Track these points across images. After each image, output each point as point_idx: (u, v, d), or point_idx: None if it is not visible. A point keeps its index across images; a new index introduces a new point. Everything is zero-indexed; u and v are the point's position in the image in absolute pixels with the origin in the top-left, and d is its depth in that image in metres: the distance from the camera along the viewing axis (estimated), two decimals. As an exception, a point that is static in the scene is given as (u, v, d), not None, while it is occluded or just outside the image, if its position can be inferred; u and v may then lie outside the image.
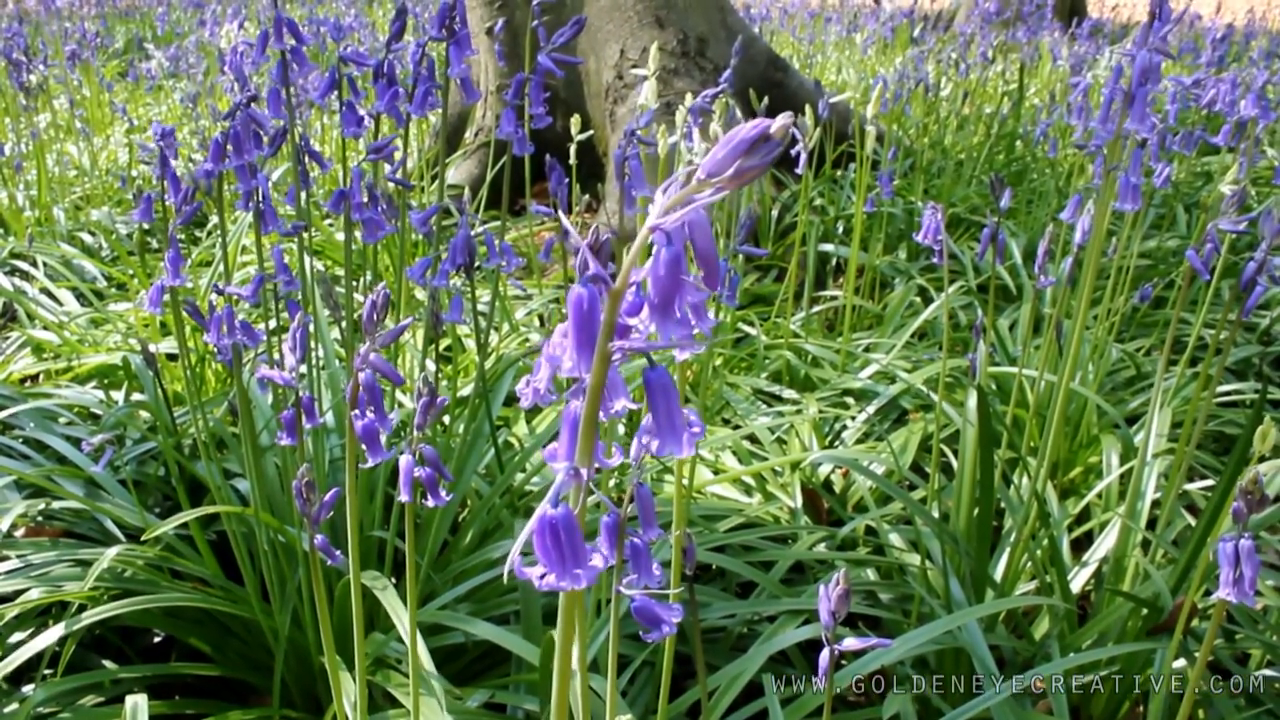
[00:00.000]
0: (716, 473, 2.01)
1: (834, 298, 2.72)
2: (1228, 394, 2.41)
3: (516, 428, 2.06)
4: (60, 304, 2.91)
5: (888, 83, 2.92)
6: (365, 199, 1.32)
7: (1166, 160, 1.89)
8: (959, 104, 4.50)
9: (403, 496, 0.94)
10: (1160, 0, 1.33)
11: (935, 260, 1.66)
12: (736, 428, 2.16)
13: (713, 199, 0.45)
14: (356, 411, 0.89)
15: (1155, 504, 1.86)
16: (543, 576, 0.51)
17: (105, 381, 2.46)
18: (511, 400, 2.15)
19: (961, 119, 4.44)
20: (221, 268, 2.76)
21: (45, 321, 2.69)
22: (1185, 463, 1.68)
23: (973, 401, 1.76)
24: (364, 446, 0.91)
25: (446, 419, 1.82)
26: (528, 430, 2.08)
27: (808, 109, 2.14)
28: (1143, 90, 1.26)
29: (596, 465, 0.53)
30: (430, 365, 2.00)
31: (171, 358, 2.53)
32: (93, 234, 3.62)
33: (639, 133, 1.54)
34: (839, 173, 3.52)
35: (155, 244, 3.52)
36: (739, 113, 3.09)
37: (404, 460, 0.93)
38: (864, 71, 5.76)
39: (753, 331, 2.40)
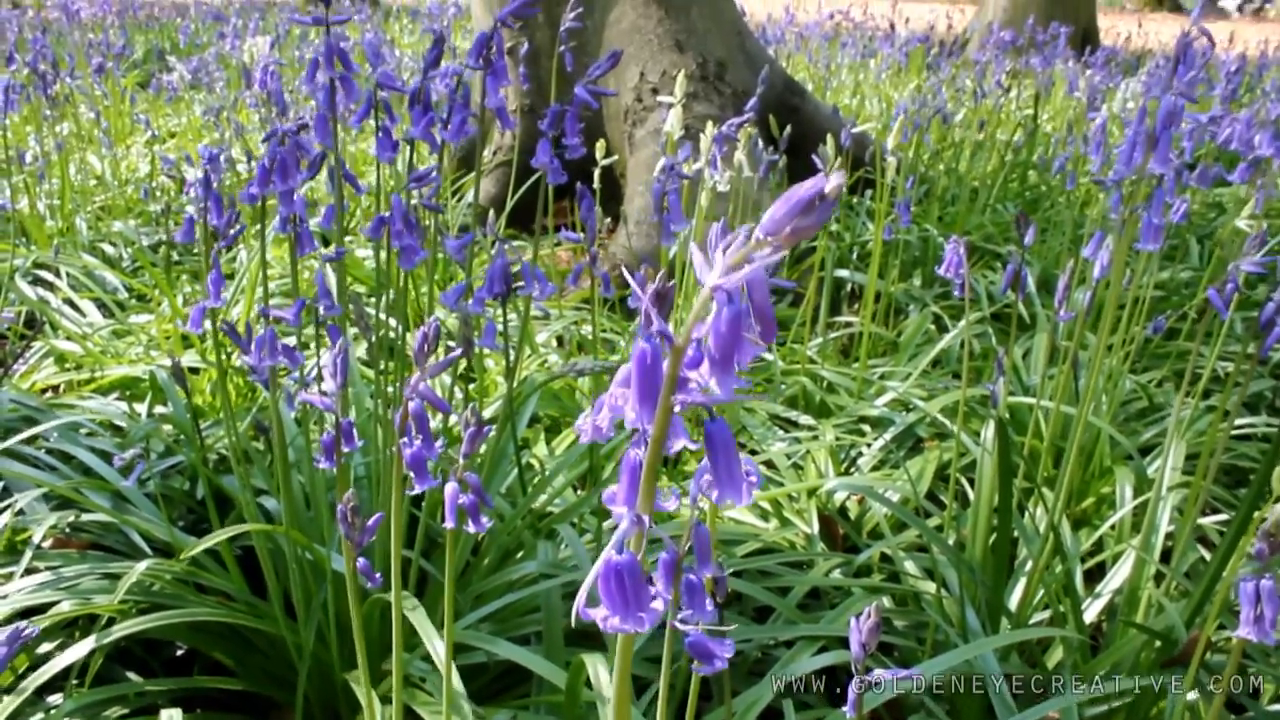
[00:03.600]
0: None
1: (850, 324, 2.74)
2: (1240, 428, 2.43)
3: (537, 448, 2.09)
4: (83, 315, 2.95)
5: (905, 112, 2.95)
6: (402, 226, 1.34)
7: (1182, 196, 1.91)
8: (974, 131, 4.53)
9: (448, 523, 0.96)
10: (1185, 45, 1.36)
11: (956, 293, 1.68)
12: (754, 453, 2.18)
13: (772, 259, 0.48)
14: (405, 440, 0.92)
15: (1169, 536, 1.88)
16: (606, 619, 0.53)
17: (128, 393, 2.49)
18: (534, 421, 2.18)
19: (976, 145, 4.47)
20: (248, 282, 2.79)
21: (68, 332, 2.72)
22: (1202, 496, 1.70)
23: (990, 432, 1.78)
24: (411, 474, 0.93)
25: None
26: (548, 451, 2.11)
27: (829, 139, 2.17)
28: (1167, 134, 1.28)
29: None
30: (457, 393, 2.02)
31: (193, 370, 2.56)
32: (114, 245, 3.66)
33: (674, 166, 1.56)
34: (855, 199, 3.55)
35: (177, 255, 3.55)
36: (757, 137, 3.13)
37: (449, 488, 0.95)
38: (879, 96, 5.80)
39: (769, 356, 2.43)
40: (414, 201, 1.48)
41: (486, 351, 2.42)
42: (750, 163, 2.22)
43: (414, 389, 0.87)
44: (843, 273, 2.96)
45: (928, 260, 3.07)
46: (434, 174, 1.39)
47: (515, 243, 3.14)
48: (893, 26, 8.49)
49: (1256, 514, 1.47)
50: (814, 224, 0.48)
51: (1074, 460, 1.63)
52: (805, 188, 0.48)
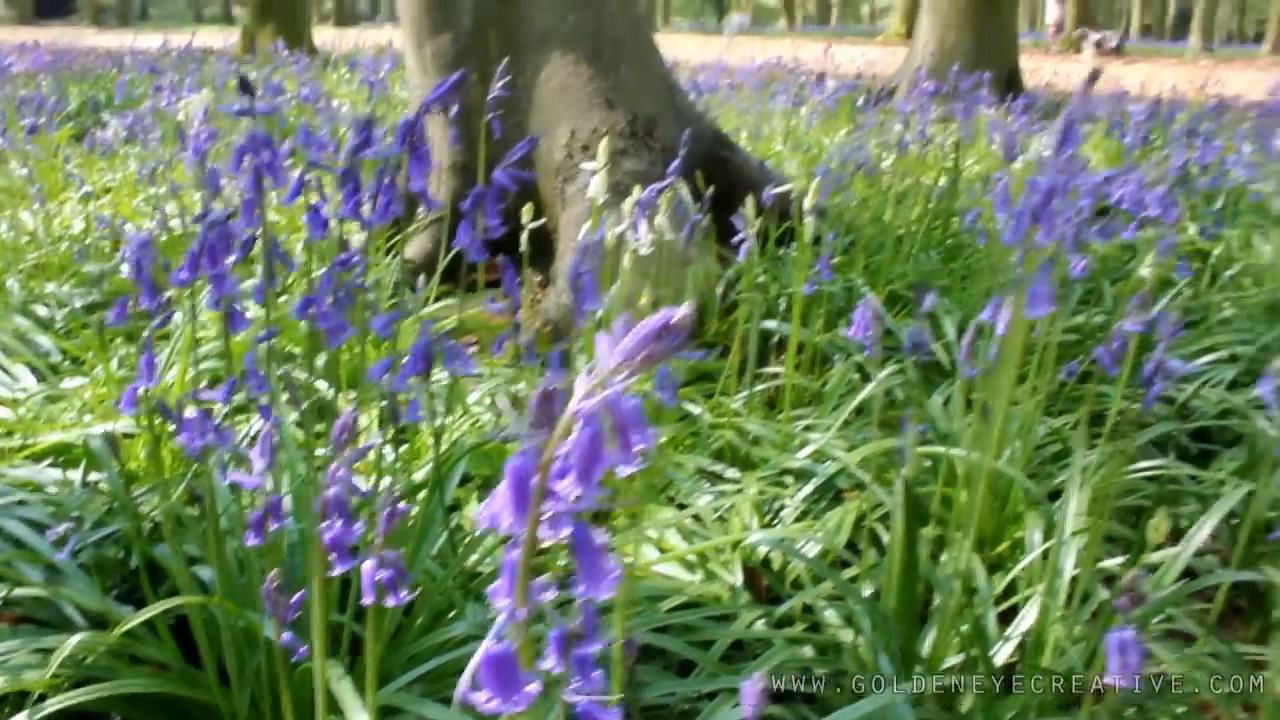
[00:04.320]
0: (662, 551, 2.10)
1: (776, 375, 2.83)
2: (1150, 469, 2.53)
3: (468, 509, 2.13)
4: (15, 379, 2.95)
5: (826, 173, 3.07)
6: (328, 308, 1.40)
7: (1082, 254, 2.02)
8: (899, 180, 4.67)
9: (365, 599, 1.01)
10: (1068, 124, 1.46)
11: (867, 353, 1.77)
12: (682, 506, 2.25)
13: (627, 383, 0.54)
14: (325, 524, 0.97)
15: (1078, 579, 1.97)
16: (486, 701, 0.59)
17: (62, 460, 2.50)
18: (466, 480, 2.23)
19: (903, 193, 4.61)
20: (183, 345, 2.81)
21: (0, 398, 2.72)
22: (1098, 539, 1.79)
23: (900, 486, 1.86)
24: (332, 556, 0.99)
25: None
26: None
27: (749, 200, 2.26)
28: (1048, 209, 1.38)
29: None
30: (390, 454, 2.07)
31: (128, 435, 2.57)
32: (47, 306, 3.65)
33: (587, 248, 1.63)
34: (782, 250, 3.65)
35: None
36: (686, 194, 3.22)
37: (366, 566, 1.00)
38: (811, 142, 5.95)
39: (696, 410, 2.50)
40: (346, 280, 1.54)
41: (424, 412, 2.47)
42: (673, 224, 2.31)
43: (333, 476, 0.93)
44: (770, 324, 3.05)
45: (852, 310, 3.17)
46: (357, 258, 1.45)
47: (448, 300, 3.20)
48: (821, 76, 8.70)
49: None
50: (667, 349, 0.55)
51: (979, 507, 1.71)
52: (655, 320, 0.54)
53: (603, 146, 2.08)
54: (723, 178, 3.91)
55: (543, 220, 2.56)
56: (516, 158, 1.50)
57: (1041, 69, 19.33)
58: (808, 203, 2.16)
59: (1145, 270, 2.75)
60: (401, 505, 1.02)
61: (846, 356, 2.88)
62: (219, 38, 19.14)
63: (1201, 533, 1.78)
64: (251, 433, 1.99)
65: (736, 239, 2.41)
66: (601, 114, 3.62)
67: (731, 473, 2.28)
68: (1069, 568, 1.81)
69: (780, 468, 2.24)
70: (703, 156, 3.92)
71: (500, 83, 2.48)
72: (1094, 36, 25.24)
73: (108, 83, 10.09)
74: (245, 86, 1.39)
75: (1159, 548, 1.64)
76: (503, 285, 1.73)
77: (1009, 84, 9.91)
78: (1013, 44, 10.36)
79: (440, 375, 2.48)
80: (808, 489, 2.13)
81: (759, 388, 2.64)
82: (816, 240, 3.30)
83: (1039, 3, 49.21)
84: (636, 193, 2.05)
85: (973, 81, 7.58)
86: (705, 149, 3.95)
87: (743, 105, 6.85)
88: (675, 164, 2.68)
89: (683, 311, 0.55)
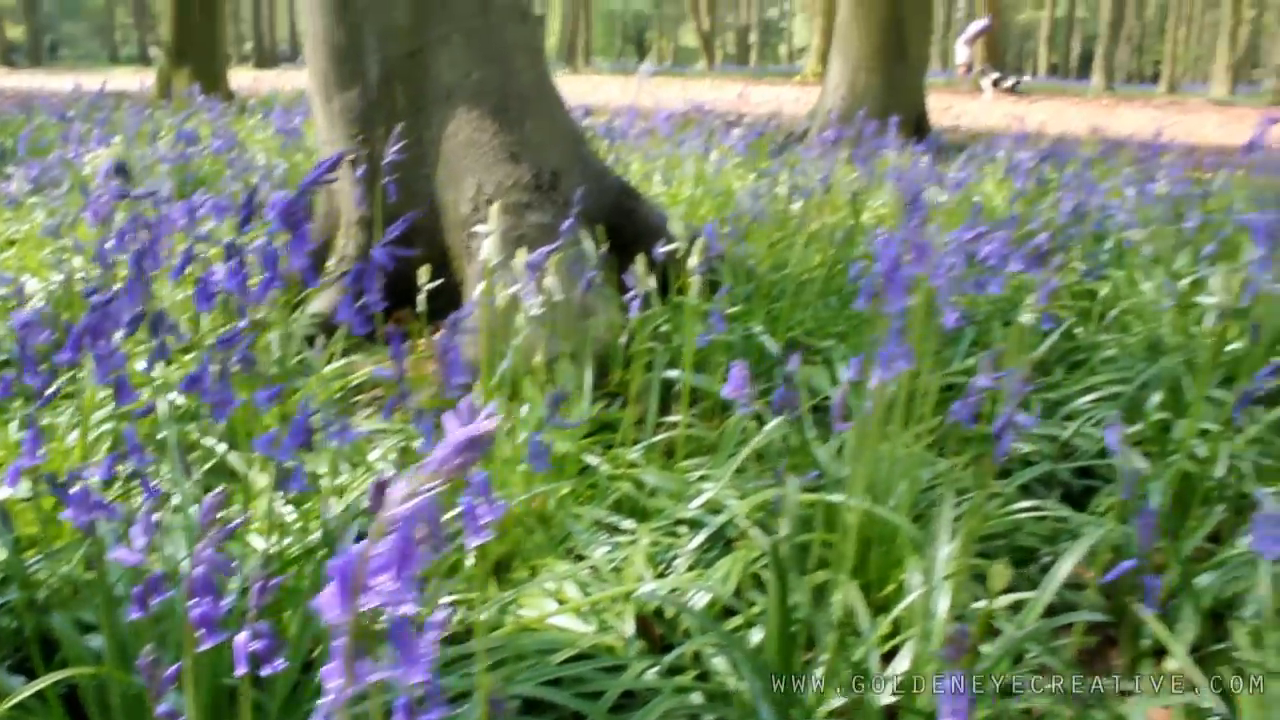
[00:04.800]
0: (561, 603, 2.15)
1: (676, 424, 2.91)
2: (1032, 508, 2.64)
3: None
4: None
5: (714, 227, 3.16)
6: (211, 384, 1.44)
7: (953, 305, 2.13)
8: (805, 224, 4.81)
9: (238, 670, 1.05)
10: (915, 195, 1.56)
11: (740, 411, 1.85)
12: (580, 558, 2.31)
13: (437, 489, 0.61)
14: (193, 600, 1.01)
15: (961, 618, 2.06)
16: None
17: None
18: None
19: (810, 236, 4.74)
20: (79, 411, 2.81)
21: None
22: (972, 580, 1.89)
23: (782, 532, 1.94)
24: (201, 631, 1.03)
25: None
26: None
27: (639, 259, 2.34)
28: (896, 277, 1.48)
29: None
30: (291, 511, 2.10)
31: (25, 499, 2.56)
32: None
33: (456, 322, 1.69)
34: (685, 299, 3.74)
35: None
36: (589, 246, 3.30)
37: (238, 639, 1.05)
38: (720, 189, 6.08)
39: (594, 462, 2.57)
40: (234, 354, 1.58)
41: (324, 470, 2.50)
42: (564, 285, 2.38)
43: (199, 557, 0.97)
44: (672, 373, 3.12)
45: (751, 358, 3.26)
46: (238, 335, 1.50)
47: (354, 356, 3.23)
48: (734, 121, 8.89)
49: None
50: (476, 455, 0.61)
51: (850, 551, 1.80)
52: (464, 431, 0.61)
53: (494, 210, 2.15)
54: (629, 228, 4.01)
55: (439, 281, 2.62)
56: (395, 234, 1.55)
57: (952, 107, 19.90)
58: (693, 260, 2.25)
59: (1025, 316, 2.89)
60: (275, 579, 1.07)
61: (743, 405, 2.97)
62: (134, 80, 18.93)
63: (1062, 571, 1.88)
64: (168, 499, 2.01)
65: (628, 297, 2.49)
66: (507, 168, 3.69)
67: (628, 524, 2.34)
68: (942, 610, 1.90)
69: (674, 518, 2.31)
70: (608, 208, 4.01)
71: (395, 146, 2.54)
72: (992, 75, 26.03)
73: (15, 129, 9.93)
74: (121, 171, 1.44)
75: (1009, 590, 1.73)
76: (423, 326, 1.78)
77: (917, 125, 10.21)
78: (920, 86, 10.68)
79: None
80: (699, 538, 2.20)
81: (658, 437, 2.71)
82: (713, 289, 3.40)
83: (952, 42, 50.47)
84: (522, 255, 2.12)
85: (880, 125, 7.81)
86: (611, 200, 4.05)
87: (656, 151, 6.97)
88: (572, 220, 2.75)
89: (487, 425, 0.61)
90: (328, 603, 0.63)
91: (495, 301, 2.15)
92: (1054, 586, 1.87)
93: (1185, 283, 4.27)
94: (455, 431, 0.60)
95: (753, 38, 64.48)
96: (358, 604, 0.61)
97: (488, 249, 2.16)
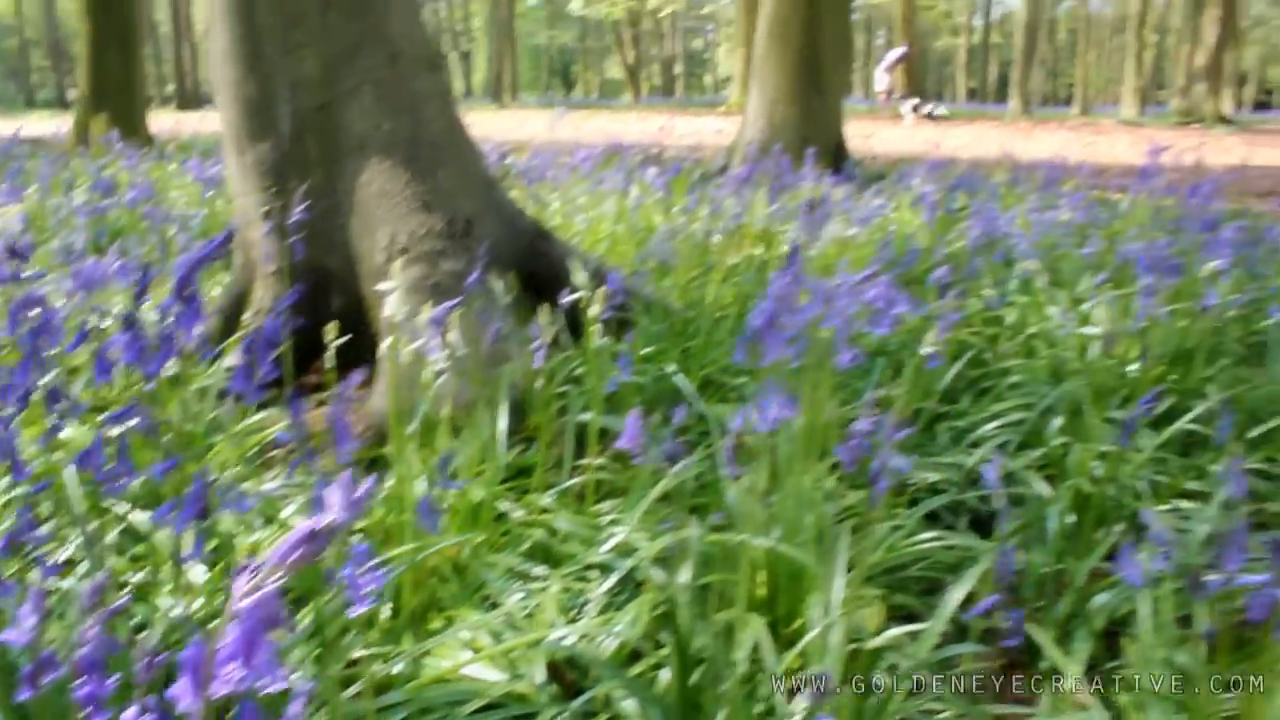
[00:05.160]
0: (476, 651, 2.18)
1: (591, 467, 2.95)
2: (934, 537, 2.72)
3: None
4: None
5: (618, 276, 3.22)
6: (104, 463, 1.46)
7: (850, 346, 2.21)
8: (721, 260, 4.90)
9: (125, 747, 1.07)
10: (794, 252, 1.63)
11: (633, 461, 1.90)
12: (494, 605, 2.33)
13: (279, 583, 0.65)
14: (79, 681, 1.04)
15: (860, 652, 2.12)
16: None
17: None
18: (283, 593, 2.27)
19: (726, 272, 4.83)
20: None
21: None
22: (855, 612, 1.95)
23: (685, 576, 2.00)
24: (88, 710, 1.05)
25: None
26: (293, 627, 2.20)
27: (544, 310, 2.39)
28: (772, 331, 1.54)
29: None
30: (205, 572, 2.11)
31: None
32: None
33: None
34: (605, 341, 3.80)
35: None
36: (500, 291, 3.35)
37: (128, 714, 1.07)
38: (640, 225, 6.16)
39: (507, 508, 2.60)
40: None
41: (239, 530, 2.50)
42: (467, 338, 2.42)
43: (83, 637, 1.00)
44: (587, 416, 3.17)
45: (665, 398, 3.32)
46: (133, 411, 1.52)
47: (270, 410, 3.23)
48: (655, 155, 9.01)
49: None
50: (316, 550, 0.66)
51: (746, 588, 1.86)
52: (302, 528, 0.65)
53: (397, 266, 2.19)
54: (544, 271, 4.06)
55: (346, 338, 2.64)
56: (283, 306, 1.58)
57: (873, 134, 20.28)
58: (594, 309, 2.30)
59: (926, 349, 2.99)
60: (162, 655, 1.09)
61: (657, 445, 3.02)
62: (51, 125, 18.62)
63: (953, 600, 1.95)
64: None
65: (534, 346, 2.54)
66: (420, 217, 3.73)
67: (540, 570, 2.38)
68: (837, 642, 1.96)
69: (585, 563, 2.35)
70: (523, 252, 4.06)
71: (300, 206, 2.57)
72: (912, 102, 26.61)
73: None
74: (15, 254, 1.46)
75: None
76: (337, 374, 1.80)
77: (836, 155, 10.40)
78: (838, 117, 10.88)
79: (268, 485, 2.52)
80: (609, 583, 2.24)
81: (571, 481, 2.76)
82: (621, 328, 3.47)
83: (873, 70, 51.41)
84: (431, 307, 2.16)
85: (798, 157, 7.96)
86: (526, 244, 4.10)
87: (577, 189, 7.05)
88: (473, 278, 2.79)
89: (328, 521, 0.66)
90: (180, 692, 0.67)
91: (404, 356, 2.18)
92: (946, 615, 1.94)
93: (1087, 307, 4.43)
94: (285, 538, 0.64)
95: (678, 69, 65.19)
96: (207, 691, 0.65)
97: (392, 305, 2.20)
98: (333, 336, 2.36)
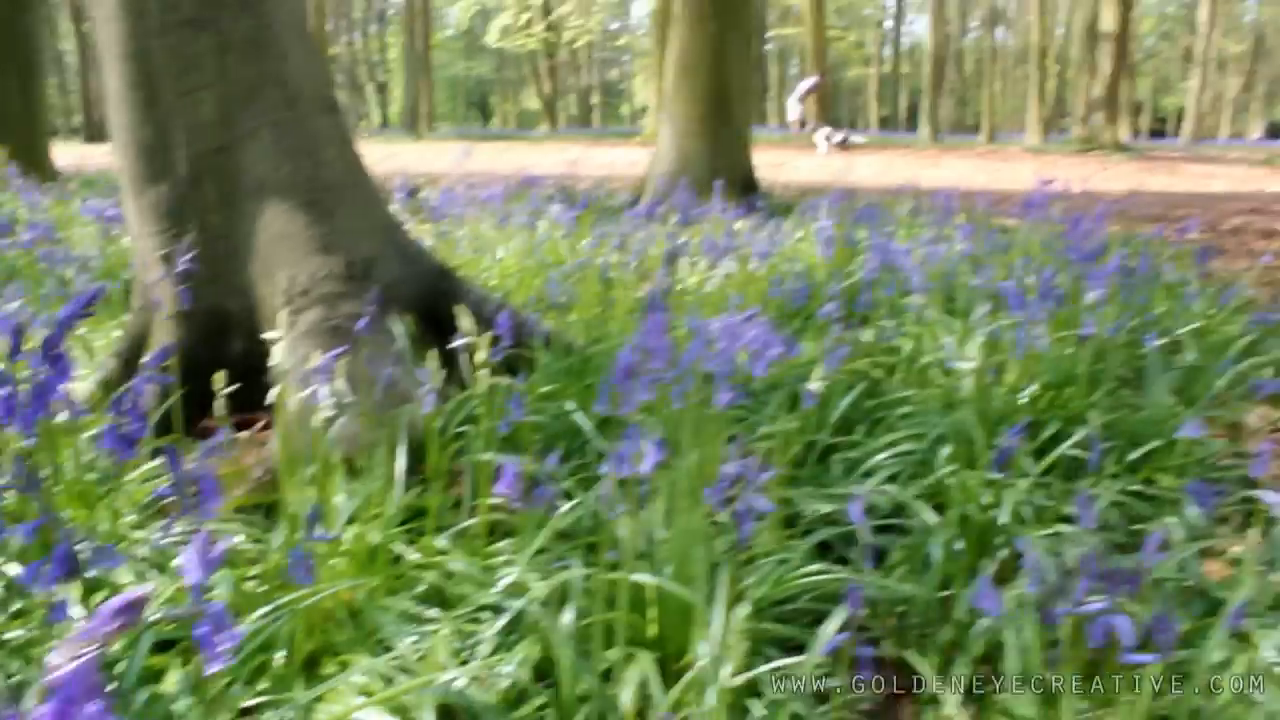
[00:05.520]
0: (368, 696, 2.19)
1: (484, 507, 2.98)
2: (819, 570, 2.80)
3: (169, 678, 2.17)
4: None
5: (526, 307, 3.27)
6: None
7: (729, 386, 2.28)
8: (626, 295, 4.96)
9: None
10: (654, 297, 1.70)
11: (514, 505, 1.95)
12: (388, 649, 2.35)
13: (94, 653, 0.68)
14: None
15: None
16: None
17: None
18: (164, 647, 2.26)
19: (631, 306, 4.90)
20: None
21: None
22: (739, 648, 2.01)
23: (567, 617, 2.04)
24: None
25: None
26: (181, 675, 2.19)
27: (433, 355, 2.42)
28: (627, 383, 1.60)
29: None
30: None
31: None
32: None
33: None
34: (505, 380, 3.83)
35: None
36: (399, 333, 3.37)
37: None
38: (548, 259, 6.21)
39: (403, 550, 2.62)
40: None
41: (130, 580, 2.48)
42: (361, 382, 2.44)
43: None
44: (487, 455, 3.20)
45: (565, 436, 3.37)
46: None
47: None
48: (558, 194, 9.09)
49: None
50: (129, 620, 0.69)
51: (623, 623, 1.90)
52: (114, 601, 0.69)
53: (282, 316, 2.21)
54: (447, 310, 4.08)
55: (235, 386, 2.65)
56: (154, 364, 1.60)
57: (785, 164, 20.61)
58: (480, 355, 2.34)
59: (812, 385, 3.08)
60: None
61: (556, 483, 3.06)
62: (-52, 162, 18.11)
63: (827, 632, 2.02)
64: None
65: (421, 392, 2.57)
66: (319, 259, 3.74)
67: (433, 613, 2.40)
68: (724, 675, 2.02)
69: (477, 604, 2.38)
70: (426, 291, 4.09)
71: (188, 255, 2.57)
72: (824, 130, 27.12)
73: None
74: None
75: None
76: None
77: (745, 186, 10.59)
78: (746, 149, 11.07)
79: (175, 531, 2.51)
80: (500, 623, 2.27)
81: (468, 522, 2.78)
82: (517, 367, 3.51)
83: (787, 99, 52.33)
84: (317, 356, 2.18)
85: (706, 189, 8.09)
86: (428, 284, 4.13)
87: (486, 225, 7.08)
88: (374, 311, 2.81)
89: (139, 594, 0.69)
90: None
91: (294, 403, 2.20)
92: (821, 647, 2.01)
93: (979, 335, 4.57)
94: (99, 610, 0.68)
95: (595, 99, 65.62)
96: (29, 765, 0.68)
97: (279, 354, 2.21)
98: (221, 385, 2.36)
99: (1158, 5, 66.06)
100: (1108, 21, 29.25)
